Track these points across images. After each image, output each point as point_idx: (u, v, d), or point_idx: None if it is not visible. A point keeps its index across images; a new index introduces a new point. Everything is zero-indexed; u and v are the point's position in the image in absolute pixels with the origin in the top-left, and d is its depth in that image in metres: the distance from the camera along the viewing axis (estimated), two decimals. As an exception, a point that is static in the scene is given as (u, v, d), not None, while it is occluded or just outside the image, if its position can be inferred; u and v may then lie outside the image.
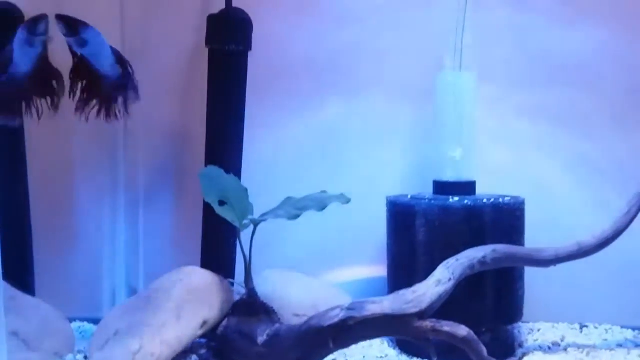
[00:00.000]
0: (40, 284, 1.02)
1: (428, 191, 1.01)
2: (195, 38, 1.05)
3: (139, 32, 1.06)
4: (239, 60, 1.01)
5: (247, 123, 1.03)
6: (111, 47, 0.90)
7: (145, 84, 1.06)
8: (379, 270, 1.05)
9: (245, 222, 0.89)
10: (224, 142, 1.02)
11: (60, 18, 0.87)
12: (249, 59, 1.02)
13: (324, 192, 0.91)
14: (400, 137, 1.09)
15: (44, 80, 0.89)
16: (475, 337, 0.77)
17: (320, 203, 0.86)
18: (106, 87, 0.90)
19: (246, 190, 0.92)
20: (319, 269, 1.08)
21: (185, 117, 1.08)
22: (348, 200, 0.88)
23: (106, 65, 0.89)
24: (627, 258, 1.01)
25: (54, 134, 1.05)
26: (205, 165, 1.00)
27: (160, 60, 1.06)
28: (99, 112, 0.90)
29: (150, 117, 1.07)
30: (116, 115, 0.91)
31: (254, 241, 0.86)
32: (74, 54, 0.89)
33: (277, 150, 1.09)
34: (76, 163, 1.07)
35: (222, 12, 1.01)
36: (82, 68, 0.89)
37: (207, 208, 0.96)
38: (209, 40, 1.00)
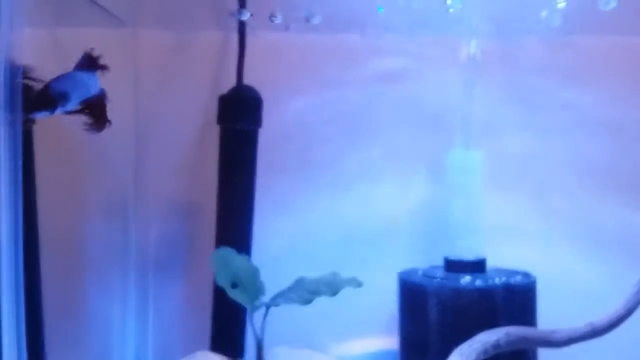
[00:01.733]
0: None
1: (439, 261, 1.01)
2: (206, 115, 1.07)
3: (152, 110, 1.07)
4: (249, 137, 1.02)
5: (256, 198, 1.04)
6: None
7: (157, 160, 1.09)
8: (390, 343, 1.05)
9: (257, 303, 0.89)
10: (235, 217, 1.02)
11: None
12: (260, 134, 1.04)
13: (336, 274, 0.91)
14: (411, 210, 1.10)
15: None
16: None
17: (332, 288, 0.87)
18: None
19: (258, 270, 0.92)
20: (329, 341, 1.08)
21: (196, 192, 1.09)
22: (360, 285, 0.88)
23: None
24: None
25: (64, 211, 1.06)
26: (216, 241, 1.01)
27: (172, 137, 1.08)
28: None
29: (161, 193, 1.08)
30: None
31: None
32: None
33: (287, 223, 1.10)
34: (87, 238, 1.08)
35: (232, 91, 1.03)
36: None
37: (217, 284, 0.96)
38: (220, 120, 1.02)
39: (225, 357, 0.90)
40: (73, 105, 0.70)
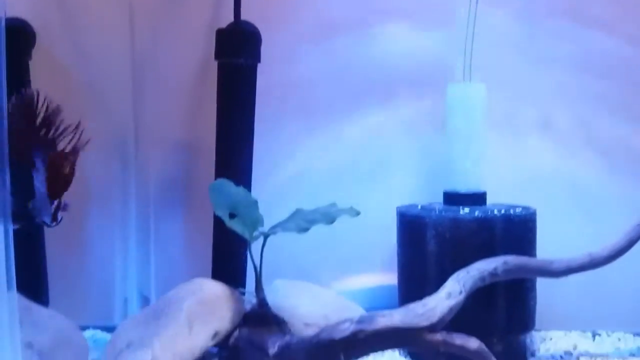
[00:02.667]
0: (54, 293, 1.03)
1: (438, 201, 1.01)
2: (204, 51, 1.06)
3: (149, 46, 1.07)
4: (247, 73, 1.01)
5: (256, 135, 1.03)
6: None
7: (155, 97, 1.09)
8: (389, 279, 1.06)
9: (255, 234, 0.89)
10: (234, 154, 1.02)
11: None
12: (259, 71, 1.03)
13: (334, 204, 0.91)
14: (411, 147, 1.09)
15: None
16: (487, 349, 0.77)
17: (329, 217, 0.86)
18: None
19: (256, 202, 0.92)
20: (329, 277, 1.09)
21: (195, 129, 1.09)
22: (357, 214, 0.88)
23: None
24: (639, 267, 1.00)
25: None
26: (215, 177, 1.01)
27: (170, 74, 1.08)
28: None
29: (160, 130, 1.08)
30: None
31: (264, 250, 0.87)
32: None
33: (287, 160, 1.10)
34: (87, 174, 1.09)
35: (230, 26, 1.01)
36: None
37: (218, 218, 0.96)
38: (218, 55, 1.01)
39: (224, 284, 0.91)
40: (43, 196, 0.68)
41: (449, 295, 0.81)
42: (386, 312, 0.80)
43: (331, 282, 1.08)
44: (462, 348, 0.76)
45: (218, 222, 1.00)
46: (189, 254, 1.10)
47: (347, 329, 0.78)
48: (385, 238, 1.03)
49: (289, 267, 1.06)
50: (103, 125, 1.08)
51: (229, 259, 1.02)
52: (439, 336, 0.77)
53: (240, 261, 1.02)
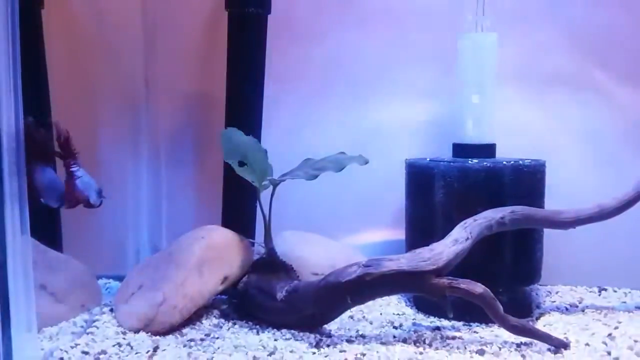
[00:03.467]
0: (68, 245, 1.05)
1: (447, 155, 1.01)
2: (214, 1, 1.05)
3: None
4: (258, 23, 1.01)
5: (266, 85, 1.03)
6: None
7: (166, 48, 1.08)
8: (397, 234, 1.06)
9: (264, 182, 0.90)
10: (244, 104, 1.02)
11: None
12: (269, 21, 1.02)
13: (343, 153, 0.91)
14: (420, 101, 1.09)
15: None
16: (492, 294, 0.78)
17: (338, 164, 0.87)
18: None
19: (266, 151, 0.93)
20: (338, 231, 1.09)
21: (205, 79, 1.09)
22: (366, 161, 0.88)
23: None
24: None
25: (77, 99, 1.07)
26: (226, 127, 1.01)
27: (181, 24, 1.07)
28: None
29: (171, 80, 1.08)
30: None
31: (273, 203, 0.88)
32: None
33: (297, 112, 1.10)
34: (99, 128, 1.09)
35: (241, -26, 1.00)
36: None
37: (228, 169, 0.98)
38: (228, 4, 1.00)
39: (233, 232, 0.92)
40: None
41: (456, 241, 0.81)
42: (393, 256, 0.81)
43: (339, 237, 1.08)
44: (467, 292, 0.77)
45: (228, 174, 1.01)
46: (199, 206, 1.11)
47: (354, 271, 0.80)
48: (393, 193, 1.03)
49: (298, 222, 1.06)
50: (114, 75, 1.08)
51: (238, 210, 1.03)
52: (444, 280, 0.78)
53: (250, 213, 1.03)
